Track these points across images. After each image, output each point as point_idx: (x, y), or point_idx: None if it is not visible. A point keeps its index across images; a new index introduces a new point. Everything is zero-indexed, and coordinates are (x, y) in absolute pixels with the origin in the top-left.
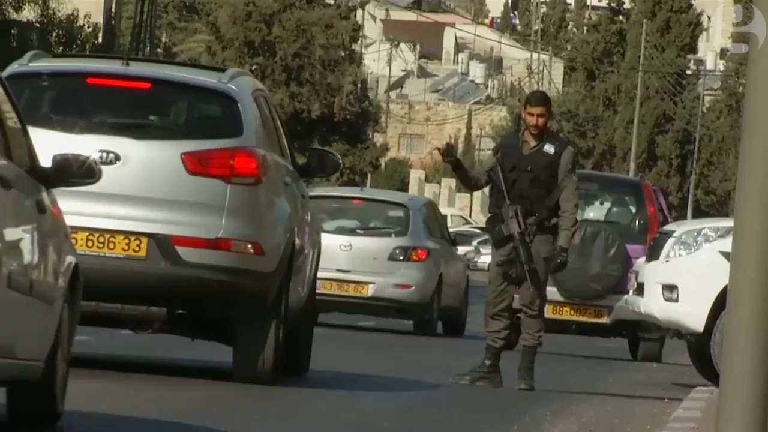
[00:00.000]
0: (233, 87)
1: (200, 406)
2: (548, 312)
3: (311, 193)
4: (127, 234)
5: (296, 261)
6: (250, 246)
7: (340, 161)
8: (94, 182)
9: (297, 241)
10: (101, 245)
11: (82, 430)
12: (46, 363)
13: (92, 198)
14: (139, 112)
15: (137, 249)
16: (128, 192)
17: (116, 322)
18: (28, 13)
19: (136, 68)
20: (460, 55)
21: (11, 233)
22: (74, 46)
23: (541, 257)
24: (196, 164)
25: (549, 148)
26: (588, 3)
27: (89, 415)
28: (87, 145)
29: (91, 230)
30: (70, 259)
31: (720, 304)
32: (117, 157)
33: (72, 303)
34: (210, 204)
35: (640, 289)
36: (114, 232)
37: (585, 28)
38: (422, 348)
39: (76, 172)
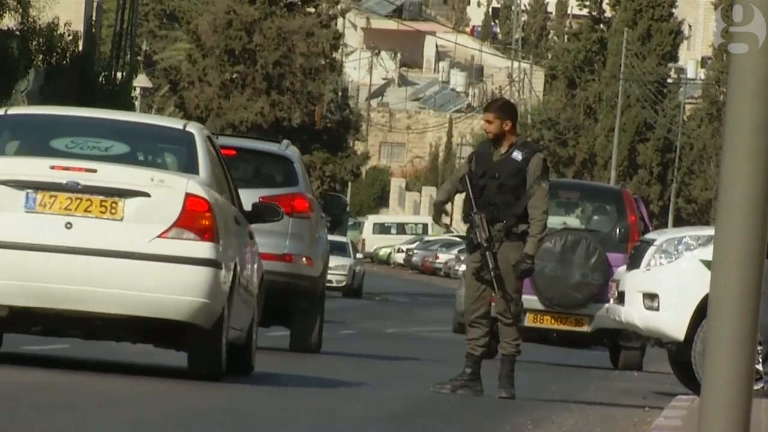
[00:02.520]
0: (289, 152)
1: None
2: (529, 321)
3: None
4: None
5: None
6: (304, 259)
7: (348, 202)
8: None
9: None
10: None
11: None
12: (247, 333)
13: None
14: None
15: None
16: None
17: None
18: (8, 21)
19: (225, 140)
20: (441, 64)
21: (241, 251)
22: (54, 54)
23: (510, 264)
24: None
25: (517, 155)
26: (569, 11)
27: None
28: None
29: None
30: (261, 268)
31: (701, 312)
32: None
33: (260, 295)
34: (278, 231)
35: (620, 298)
36: None
37: (566, 36)
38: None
39: (270, 213)
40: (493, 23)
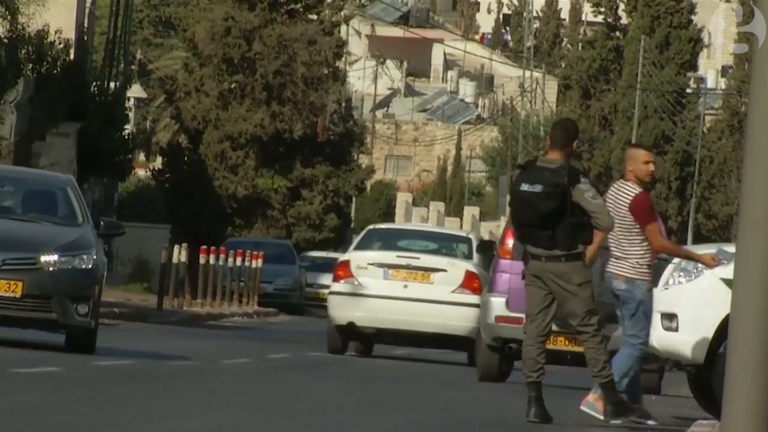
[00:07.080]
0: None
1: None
2: None
3: None
4: None
5: None
6: None
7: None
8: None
9: None
10: None
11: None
12: None
13: None
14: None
15: None
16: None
17: None
18: None
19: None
20: (450, 73)
21: None
22: (44, 63)
23: None
24: None
25: None
26: (583, 18)
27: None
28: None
29: None
30: None
31: (722, 333)
32: None
33: None
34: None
35: None
36: None
37: (580, 44)
38: None
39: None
40: (503, 30)
